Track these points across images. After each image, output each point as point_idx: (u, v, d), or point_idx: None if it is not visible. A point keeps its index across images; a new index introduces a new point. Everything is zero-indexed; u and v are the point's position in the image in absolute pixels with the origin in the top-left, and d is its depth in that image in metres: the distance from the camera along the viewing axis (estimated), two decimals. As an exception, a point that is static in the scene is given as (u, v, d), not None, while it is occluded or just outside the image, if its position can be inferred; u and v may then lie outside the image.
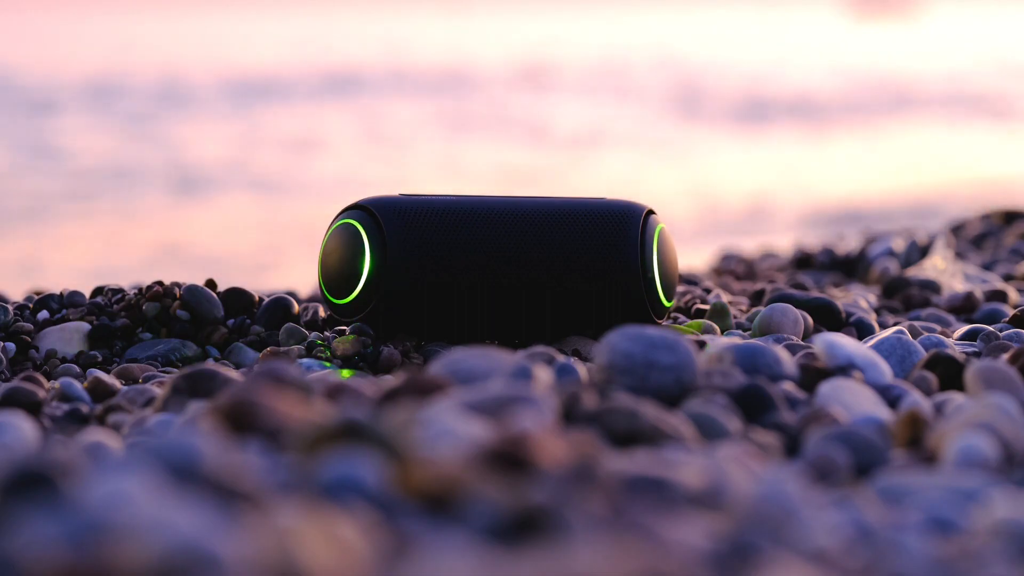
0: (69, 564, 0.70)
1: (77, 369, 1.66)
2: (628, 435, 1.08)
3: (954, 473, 1.05)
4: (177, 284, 1.77)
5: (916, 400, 1.27)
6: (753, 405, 1.19)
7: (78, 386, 1.44)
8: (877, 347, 1.45)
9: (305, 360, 1.62)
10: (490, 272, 1.67)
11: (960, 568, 0.85)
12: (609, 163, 8.17)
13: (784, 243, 3.10)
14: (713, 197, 6.90)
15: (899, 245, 2.54)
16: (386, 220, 1.67)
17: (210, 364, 1.38)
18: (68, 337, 1.73)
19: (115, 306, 1.77)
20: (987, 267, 2.55)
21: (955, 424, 1.12)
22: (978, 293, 2.11)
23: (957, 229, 3.05)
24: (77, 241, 5.68)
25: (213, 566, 0.71)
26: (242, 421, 1.01)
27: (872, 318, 1.86)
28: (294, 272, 4.80)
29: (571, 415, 1.10)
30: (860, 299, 2.03)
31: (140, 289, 1.77)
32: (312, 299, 2.09)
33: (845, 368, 1.31)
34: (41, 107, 9.78)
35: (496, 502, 0.84)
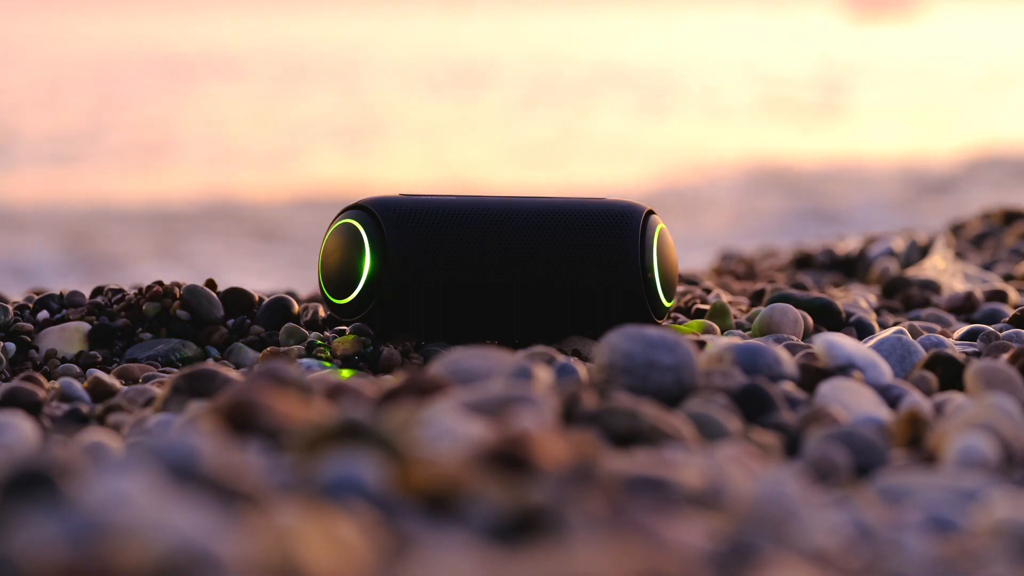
0: (69, 564, 0.70)
1: (77, 369, 1.65)
2: (628, 435, 1.08)
3: (954, 473, 1.05)
4: (177, 284, 1.77)
5: (916, 400, 1.27)
6: (753, 405, 1.19)
7: (78, 386, 1.44)
8: (877, 347, 1.45)
9: (305, 360, 1.62)
10: (490, 272, 1.67)
11: (960, 568, 0.85)
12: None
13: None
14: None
15: (899, 245, 2.53)
16: (386, 220, 1.67)
17: (210, 364, 1.38)
18: (68, 337, 1.73)
19: (115, 306, 1.77)
20: (987, 267, 2.55)
21: (955, 424, 1.12)
22: (978, 293, 2.11)
23: (957, 229, 3.05)
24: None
25: (213, 566, 0.71)
26: (242, 421, 1.01)
27: (872, 318, 1.86)
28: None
29: (571, 415, 1.10)
30: (860, 299, 2.03)
31: (140, 289, 1.77)
32: (312, 299, 2.09)
33: (845, 368, 1.30)
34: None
35: (496, 502, 0.84)
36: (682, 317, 1.86)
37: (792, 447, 1.14)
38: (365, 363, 1.65)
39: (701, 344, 1.57)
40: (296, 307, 1.79)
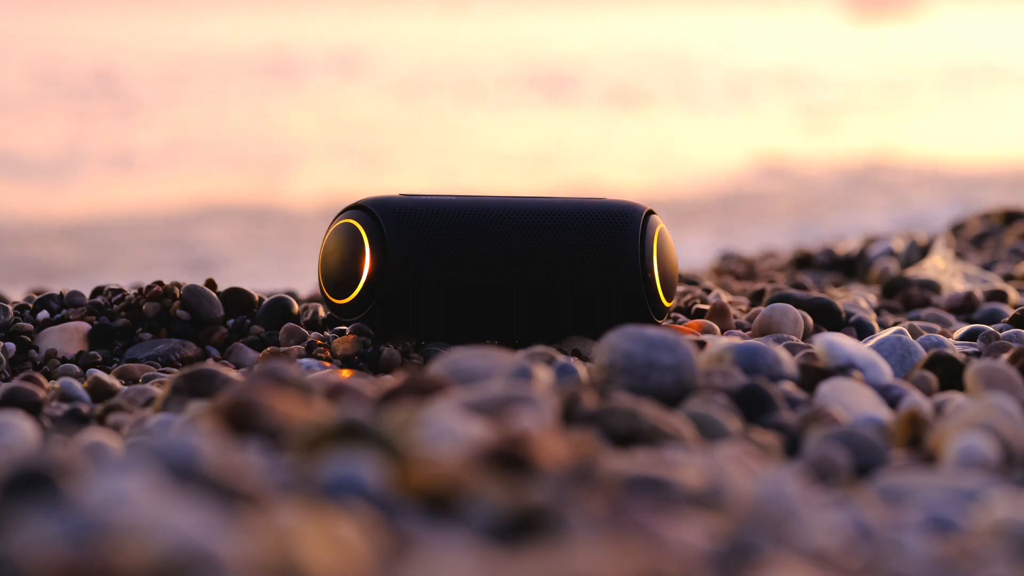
0: (69, 564, 0.70)
1: (77, 369, 1.65)
2: (628, 435, 1.08)
3: (954, 473, 1.05)
4: (177, 284, 1.77)
5: (916, 400, 1.27)
6: (753, 405, 1.19)
7: (78, 386, 1.44)
8: (877, 347, 1.45)
9: (305, 360, 1.62)
10: (490, 272, 1.67)
11: (960, 568, 0.85)
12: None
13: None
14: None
15: (899, 245, 2.53)
16: (386, 220, 1.67)
17: (210, 364, 1.38)
18: (68, 337, 1.73)
19: (115, 306, 1.77)
20: (987, 267, 2.55)
21: (955, 424, 1.12)
22: (978, 293, 2.11)
23: (957, 229, 3.05)
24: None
25: (213, 566, 0.71)
26: (242, 421, 1.01)
27: (872, 318, 1.86)
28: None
29: (571, 415, 1.10)
30: (860, 299, 2.03)
31: (140, 289, 1.77)
32: (312, 299, 2.09)
33: (845, 368, 1.31)
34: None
35: (496, 502, 0.84)
36: (682, 317, 1.86)
37: (792, 447, 1.14)
38: (365, 363, 1.65)
39: (701, 344, 1.57)
40: (296, 307, 1.79)
